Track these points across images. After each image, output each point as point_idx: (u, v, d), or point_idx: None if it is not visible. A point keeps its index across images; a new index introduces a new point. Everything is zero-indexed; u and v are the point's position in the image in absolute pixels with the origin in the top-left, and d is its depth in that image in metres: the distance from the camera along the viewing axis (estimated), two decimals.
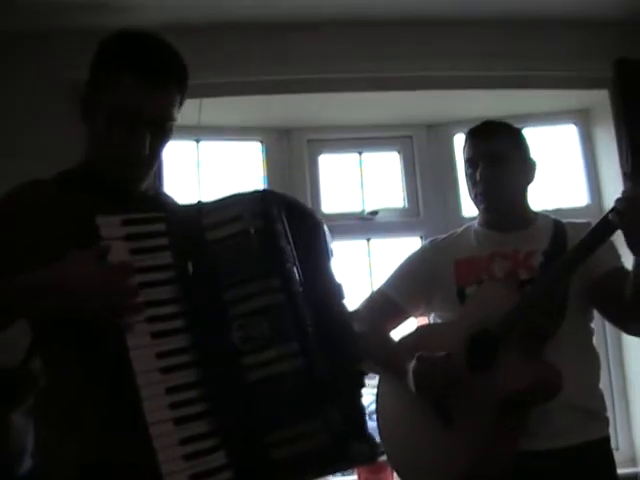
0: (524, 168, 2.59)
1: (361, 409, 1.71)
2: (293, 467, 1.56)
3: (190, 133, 3.86)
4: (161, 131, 1.77)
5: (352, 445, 1.62)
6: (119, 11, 3.42)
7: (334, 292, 1.76)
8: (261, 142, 4.12)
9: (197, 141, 4.02)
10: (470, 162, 2.59)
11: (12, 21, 3.42)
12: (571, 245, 2.41)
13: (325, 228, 1.84)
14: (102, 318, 1.53)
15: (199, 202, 1.71)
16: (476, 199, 2.60)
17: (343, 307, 1.77)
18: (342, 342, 1.71)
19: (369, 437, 1.69)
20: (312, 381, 1.59)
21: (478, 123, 2.66)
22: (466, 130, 2.71)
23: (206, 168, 4.04)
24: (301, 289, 1.65)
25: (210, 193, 3.91)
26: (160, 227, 1.64)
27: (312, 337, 1.62)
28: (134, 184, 1.81)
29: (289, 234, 1.69)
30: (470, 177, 2.59)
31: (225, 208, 1.67)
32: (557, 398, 2.24)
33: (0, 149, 3.38)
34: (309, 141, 4.12)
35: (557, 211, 3.71)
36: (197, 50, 3.41)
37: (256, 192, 1.72)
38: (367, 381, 1.76)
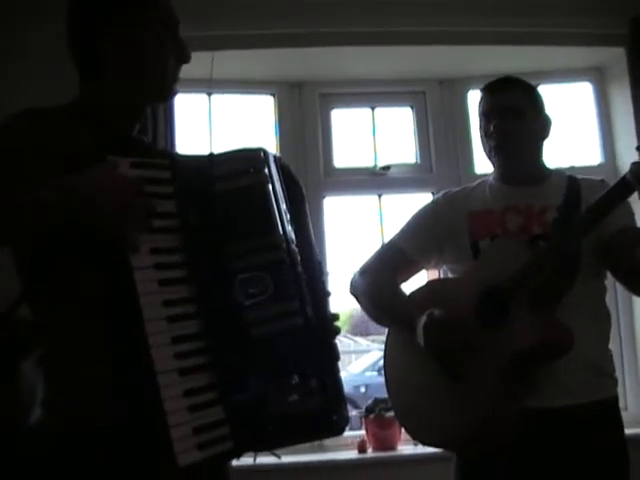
0: (539, 123, 2.58)
1: (340, 377, 1.74)
2: (288, 426, 1.58)
3: (202, 86, 3.84)
4: None
5: (340, 410, 1.67)
6: None
7: (319, 266, 1.79)
8: (273, 96, 4.10)
9: (209, 94, 4.00)
10: (485, 116, 2.58)
11: None
12: (585, 202, 2.40)
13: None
14: (118, 227, 1.51)
15: (210, 153, 1.70)
16: (490, 153, 2.58)
17: (324, 280, 1.81)
18: (326, 310, 1.75)
19: (346, 407, 1.74)
20: (309, 341, 1.61)
21: (492, 79, 2.65)
22: (480, 86, 2.69)
23: (218, 121, 4.03)
24: (297, 252, 1.67)
25: (222, 146, 3.89)
26: (165, 174, 1.63)
27: (308, 298, 1.64)
28: (172, 96, 1.89)
29: (287, 197, 1.72)
30: (484, 130, 2.58)
31: (232, 161, 1.67)
32: (567, 356, 2.24)
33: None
34: (321, 95, 4.11)
35: (570, 169, 3.68)
36: (208, 3, 3.39)
37: (258, 149, 1.71)
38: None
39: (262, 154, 1.71)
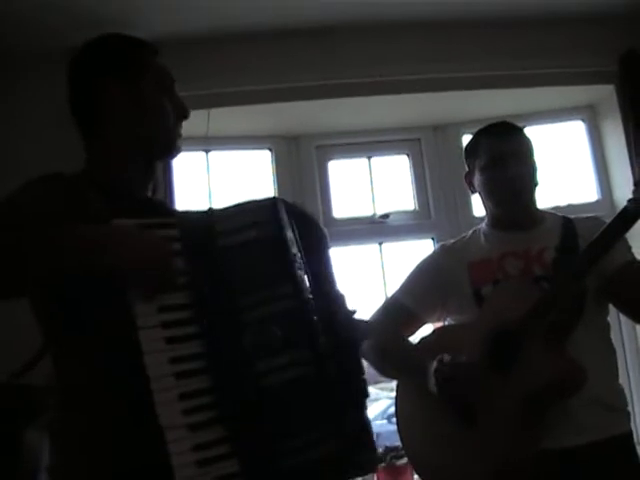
0: (535, 166, 2.61)
1: (367, 418, 1.72)
2: (303, 475, 1.56)
3: (199, 143, 3.87)
4: None
5: (361, 453, 1.64)
6: (124, 27, 3.42)
7: (340, 301, 1.78)
8: (270, 150, 4.13)
9: (206, 151, 4.03)
10: (496, 161, 2.57)
11: (16, 42, 3.46)
12: (581, 238, 2.43)
13: (325, 231, 1.88)
14: (140, 279, 1.53)
15: (211, 209, 1.71)
16: (499, 198, 2.60)
17: (349, 316, 1.78)
18: (348, 351, 1.72)
19: (374, 446, 1.72)
20: (322, 389, 1.59)
21: (486, 122, 2.68)
22: (473, 130, 2.72)
23: (216, 178, 4.05)
24: (311, 297, 1.66)
25: (221, 203, 3.90)
26: (173, 232, 1.63)
27: (322, 345, 1.62)
28: (177, 151, 1.94)
29: (299, 242, 1.71)
30: (494, 177, 2.58)
31: (237, 215, 1.68)
32: (579, 394, 2.24)
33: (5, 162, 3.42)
34: (318, 147, 4.13)
35: (568, 207, 3.72)
36: (202, 60, 3.45)
37: (267, 199, 1.73)
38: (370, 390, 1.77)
39: (269, 204, 1.71)
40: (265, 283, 1.62)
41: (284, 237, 1.67)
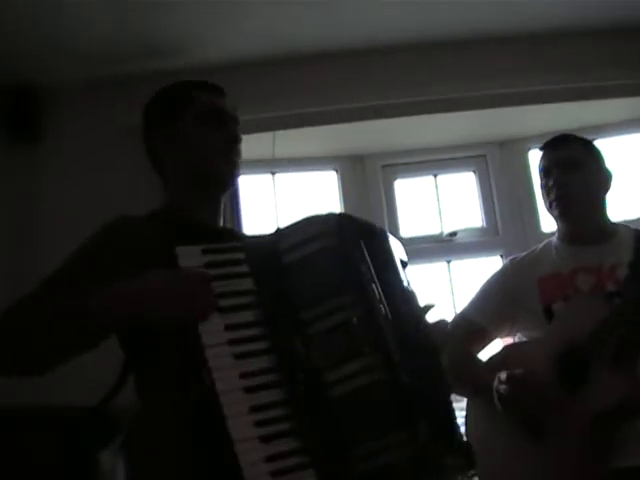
0: (599, 177, 2.58)
1: (452, 420, 1.73)
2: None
3: (265, 166, 3.91)
4: (238, 127, 1.99)
5: (443, 456, 1.62)
6: (181, 53, 3.50)
7: (414, 307, 1.80)
8: (336, 171, 4.15)
9: (273, 174, 4.06)
10: (544, 172, 2.59)
11: (71, 70, 3.54)
12: None
13: (396, 242, 1.90)
14: (184, 321, 1.56)
15: (278, 229, 1.74)
16: (551, 208, 2.59)
17: (424, 321, 1.82)
18: (428, 355, 1.74)
19: (463, 448, 1.71)
20: (396, 393, 1.58)
21: (552, 136, 2.66)
22: (540, 145, 2.70)
23: (283, 200, 4.08)
24: (381, 305, 1.66)
25: (288, 224, 3.93)
26: (239, 255, 1.68)
27: (395, 350, 1.61)
28: (232, 178, 1.98)
29: (365, 251, 1.71)
30: (544, 186, 2.60)
31: (300, 230, 1.70)
32: None
33: (63, 193, 3.51)
34: (383, 167, 4.15)
35: (638, 221, 3.66)
36: (265, 83, 3.48)
37: (330, 214, 1.75)
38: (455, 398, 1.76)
39: (332, 215, 1.74)
40: (329, 294, 1.63)
41: (347, 247, 1.68)
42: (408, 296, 1.82)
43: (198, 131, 1.94)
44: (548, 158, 2.60)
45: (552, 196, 2.55)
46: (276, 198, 4.07)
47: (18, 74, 3.45)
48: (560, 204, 2.54)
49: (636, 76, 3.71)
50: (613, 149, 4.02)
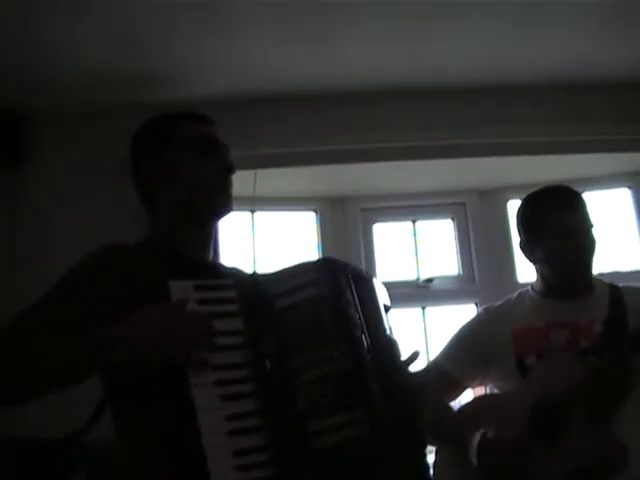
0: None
1: (427, 472, 1.75)
2: None
3: (245, 203, 3.90)
4: (229, 154, 1.99)
5: None
6: (168, 86, 3.50)
7: (397, 357, 1.81)
8: (315, 212, 4.16)
9: (252, 211, 4.06)
10: (568, 233, 2.52)
11: (62, 98, 3.54)
12: (631, 312, 2.40)
13: (381, 287, 1.92)
14: (179, 359, 1.55)
15: (268, 272, 1.74)
16: (563, 268, 2.56)
17: (407, 371, 1.83)
18: (407, 409, 1.73)
19: None
20: (378, 449, 1.58)
21: (532, 189, 2.67)
22: (519, 196, 2.71)
23: (261, 238, 4.08)
24: (368, 356, 1.66)
25: (266, 262, 3.95)
26: (231, 294, 1.67)
27: (380, 404, 1.61)
28: (226, 209, 1.96)
29: (357, 300, 1.72)
30: (565, 249, 2.53)
31: (293, 276, 1.70)
32: (622, 472, 2.19)
33: (53, 223, 3.49)
34: (363, 210, 4.15)
35: (613, 274, 3.67)
36: (248, 122, 3.49)
37: (322, 260, 1.77)
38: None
39: (326, 263, 1.75)
40: (321, 343, 1.63)
41: (340, 296, 1.68)
42: (392, 344, 1.83)
43: (189, 160, 1.92)
44: (566, 219, 2.54)
45: (572, 263, 2.54)
46: (254, 236, 4.07)
47: (3, 99, 3.44)
48: (582, 273, 2.55)
49: (619, 132, 3.74)
50: (593, 201, 4.05)
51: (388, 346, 1.80)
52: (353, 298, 1.71)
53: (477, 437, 2.34)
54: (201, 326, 1.58)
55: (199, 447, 1.48)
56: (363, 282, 1.83)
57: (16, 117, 3.57)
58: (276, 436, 1.57)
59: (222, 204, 1.95)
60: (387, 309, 1.90)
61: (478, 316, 2.78)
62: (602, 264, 3.79)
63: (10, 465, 2.52)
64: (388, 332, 1.83)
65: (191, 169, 1.91)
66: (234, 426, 1.54)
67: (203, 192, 1.92)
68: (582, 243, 2.52)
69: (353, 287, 1.73)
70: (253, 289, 1.70)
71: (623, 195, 4.19)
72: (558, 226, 2.54)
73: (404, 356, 1.85)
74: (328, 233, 4.10)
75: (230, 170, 1.95)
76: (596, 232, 2.59)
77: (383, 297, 1.91)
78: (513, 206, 4.00)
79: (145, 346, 1.55)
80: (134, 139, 2.02)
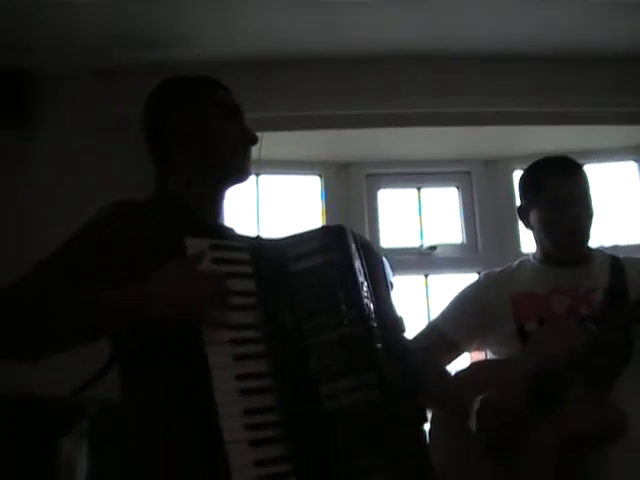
0: (593, 208, 2.60)
1: (427, 445, 1.77)
2: None
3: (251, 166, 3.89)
4: None
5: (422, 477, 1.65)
6: (177, 47, 3.49)
7: (400, 327, 1.83)
8: (320, 176, 4.15)
9: (257, 175, 4.05)
10: (559, 201, 2.55)
11: (71, 58, 3.53)
12: (631, 283, 2.41)
13: (387, 265, 1.95)
14: (195, 317, 1.56)
15: (279, 237, 1.77)
16: (557, 236, 2.58)
17: (408, 342, 1.86)
18: (409, 377, 1.74)
19: (433, 473, 1.73)
20: (383, 414, 1.59)
21: (548, 158, 2.69)
22: (525, 166, 2.71)
23: (265, 202, 4.08)
24: (376, 324, 1.68)
25: (269, 226, 3.95)
26: (245, 256, 1.69)
27: (388, 370, 1.64)
28: (247, 174, 2.00)
29: (365, 269, 1.75)
30: (555, 217, 2.56)
31: (308, 241, 1.72)
32: (621, 441, 2.20)
33: (57, 180, 3.48)
34: (368, 176, 4.15)
35: (614, 248, 3.67)
36: (257, 84, 3.48)
37: (334, 227, 1.77)
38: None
39: (339, 230, 1.76)
40: (332, 307, 1.65)
41: (352, 263, 1.71)
42: (397, 318, 1.84)
43: (221, 123, 1.94)
44: (563, 187, 2.56)
45: (565, 229, 2.55)
46: (259, 199, 4.07)
47: (10, 59, 3.42)
48: (576, 242, 2.56)
49: (627, 104, 3.73)
50: (598, 174, 4.04)
51: (393, 318, 1.81)
52: (363, 268, 1.74)
53: (476, 403, 2.36)
54: (216, 284, 1.59)
55: (211, 405, 1.50)
56: (372, 254, 1.86)
57: (22, 76, 3.55)
58: (286, 397, 1.59)
59: (244, 169, 1.98)
60: (391, 286, 1.91)
61: (478, 281, 2.79)
62: (603, 237, 3.79)
63: (8, 423, 2.54)
64: (393, 302, 1.85)
65: (221, 129, 1.93)
66: (246, 385, 1.55)
67: (229, 154, 1.94)
68: (577, 211, 2.53)
69: (363, 257, 1.76)
70: (267, 252, 1.71)
71: (630, 168, 4.18)
72: (555, 192, 2.56)
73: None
74: (332, 198, 4.09)
75: (254, 140, 1.99)
76: (595, 205, 2.59)
77: (389, 273, 1.94)
78: (518, 176, 3.99)
79: (163, 304, 1.55)
80: (163, 90, 2.02)
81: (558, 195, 2.56)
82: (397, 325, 1.82)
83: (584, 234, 2.56)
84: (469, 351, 2.73)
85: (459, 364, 2.72)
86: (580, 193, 2.55)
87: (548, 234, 2.61)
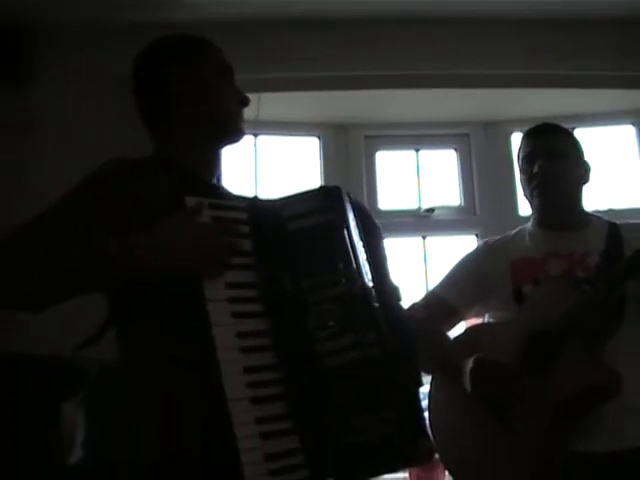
0: (580, 168, 2.61)
1: (422, 406, 1.75)
2: (362, 456, 1.56)
3: (249, 127, 3.88)
4: None
5: (419, 439, 1.63)
6: (172, 7, 3.46)
7: (396, 292, 1.82)
8: (318, 137, 4.14)
9: (255, 135, 4.05)
10: (528, 158, 2.61)
11: (67, 15, 3.49)
12: (627, 245, 2.41)
13: (382, 232, 1.95)
14: (198, 270, 1.57)
15: (276, 197, 1.77)
16: (532, 195, 2.61)
17: (403, 309, 1.85)
18: (405, 339, 1.74)
19: (429, 434, 1.73)
20: (384, 372, 1.60)
21: (537, 122, 2.68)
22: (524, 129, 2.72)
23: (264, 162, 4.07)
24: (372, 285, 1.69)
25: (267, 187, 3.95)
26: (242, 215, 1.70)
27: (385, 329, 1.64)
28: (242, 134, 2.02)
29: (361, 231, 1.76)
30: (526, 172, 2.62)
31: (305, 201, 1.73)
32: (614, 400, 2.22)
33: (51, 139, 3.48)
34: (366, 137, 4.14)
35: (610, 212, 3.68)
36: (255, 45, 3.46)
37: (332, 188, 1.77)
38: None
39: (335, 191, 1.76)
40: (329, 266, 1.66)
41: (349, 224, 1.72)
42: (389, 276, 1.84)
43: (221, 82, 1.94)
44: (532, 145, 2.62)
45: (534, 183, 2.58)
46: (257, 160, 4.06)
47: (8, 12, 3.40)
48: (543, 193, 2.57)
49: (624, 68, 3.72)
50: (596, 139, 4.04)
51: (389, 285, 1.81)
52: (359, 228, 1.75)
53: (469, 362, 2.37)
54: (217, 240, 1.60)
55: (214, 362, 1.51)
56: (370, 220, 1.88)
57: (19, 32, 3.52)
58: (286, 355, 1.59)
59: (240, 129, 2.00)
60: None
61: (477, 249, 2.80)
62: (599, 201, 3.80)
63: (8, 381, 2.55)
64: (388, 268, 1.85)
65: (222, 90, 1.94)
66: (246, 343, 1.56)
67: (228, 113, 1.95)
68: (545, 164, 2.55)
69: (359, 221, 1.77)
70: (264, 212, 1.72)
71: (627, 132, 4.17)
72: (524, 151, 2.64)
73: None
74: (330, 159, 4.09)
75: (247, 101, 2.01)
76: (589, 167, 2.63)
77: (384, 241, 1.95)
78: (517, 139, 3.99)
79: (166, 256, 1.56)
80: (162, 49, 1.98)
81: (526, 153, 2.62)
82: (393, 292, 1.81)
83: (552, 188, 2.57)
84: (469, 318, 2.74)
85: (456, 330, 2.73)
86: (547, 150, 2.57)
87: (524, 192, 2.67)
